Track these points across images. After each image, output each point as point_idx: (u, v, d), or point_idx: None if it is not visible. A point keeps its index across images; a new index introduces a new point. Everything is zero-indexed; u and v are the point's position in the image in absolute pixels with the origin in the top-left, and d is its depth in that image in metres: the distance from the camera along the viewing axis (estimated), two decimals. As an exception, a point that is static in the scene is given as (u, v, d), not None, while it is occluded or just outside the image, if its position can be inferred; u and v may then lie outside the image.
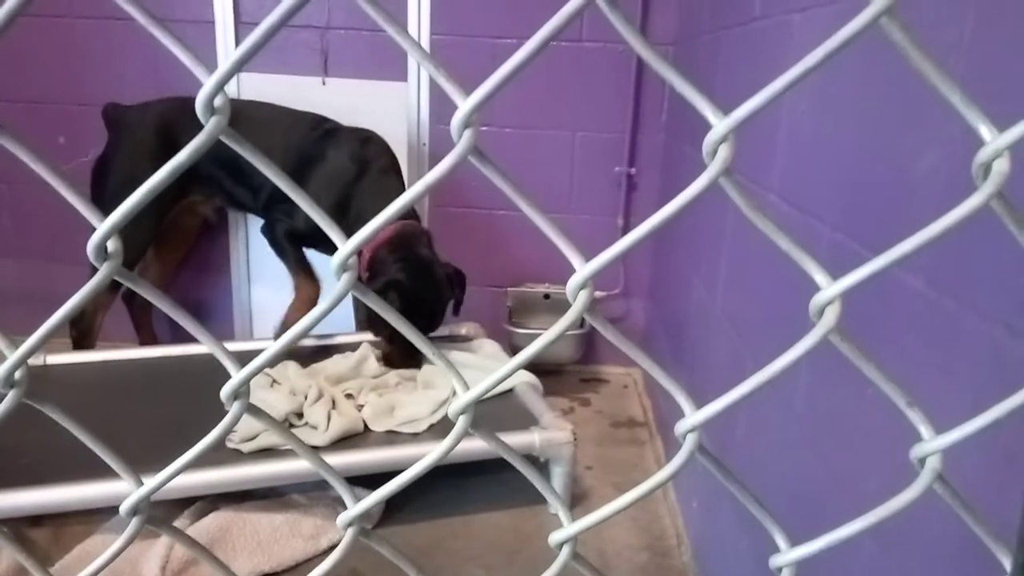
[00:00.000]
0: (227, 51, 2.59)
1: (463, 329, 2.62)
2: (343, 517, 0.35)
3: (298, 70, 2.60)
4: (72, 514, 1.68)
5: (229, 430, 0.33)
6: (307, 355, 2.28)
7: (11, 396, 0.34)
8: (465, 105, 0.29)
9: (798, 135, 1.24)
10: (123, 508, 0.35)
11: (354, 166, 2.30)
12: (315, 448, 1.83)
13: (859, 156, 1.00)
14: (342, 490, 0.35)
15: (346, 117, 2.56)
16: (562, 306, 3.03)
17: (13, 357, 0.34)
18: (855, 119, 1.03)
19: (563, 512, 0.36)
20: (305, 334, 0.34)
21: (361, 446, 1.88)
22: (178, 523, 1.68)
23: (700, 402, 0.34)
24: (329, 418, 1.93)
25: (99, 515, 1.70)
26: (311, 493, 1.85)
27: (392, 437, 1.96)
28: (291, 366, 2.17)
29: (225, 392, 0.33)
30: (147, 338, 2.66)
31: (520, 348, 2.65)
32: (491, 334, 2.58)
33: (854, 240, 0.99)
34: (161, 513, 1.71)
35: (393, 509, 1.86)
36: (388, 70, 2.60)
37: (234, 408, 0.33)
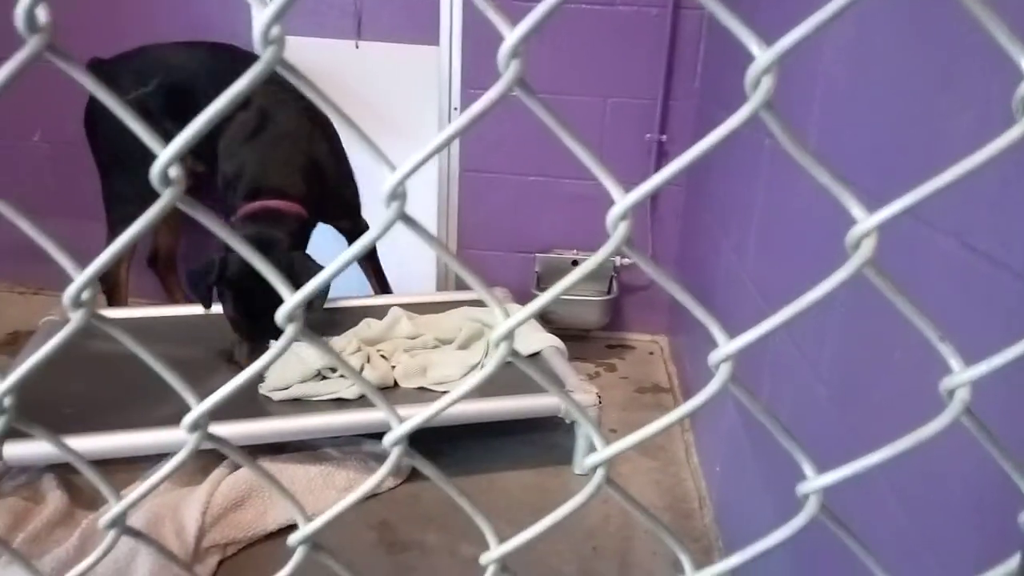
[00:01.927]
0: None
1: (492, 293, 2.63)
2: (389, 437, 0.37)
3: (332, 33, 2.60)
4: (116, 461, 1.73)
5: (288, 347, 0.35)
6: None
7: (80, 315, 0.36)
8: (512, 35, 0.30)
9: (833, 99, 1.23)
10: (184, 423, 0.37)
11: (254, 122, 2.15)
12: (345, 406, 1.87)
13: (895, 119, 0.99)
14: (385, 409, 0.37)
15: (378, 81, 2.57)
16: (590, 272, 3.02)
17: (80, 279, 0.36)
18: (891, 81, 1.01)
19: (596, 436, 0.37)
20: (353, 261, 0.35)
21: (392, 402, 1.92)
22: (217, 472, 1.74)
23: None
24: (361, 371, 1.97)
25: (143, 462, 1.76)
26: (344, 447, 1.89)
27: (422, 394, 2.00)
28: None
29: (281, 314, 0.35)
30: (180, 297, 2.71)
31: (548, 313, 2.67)
32: (519, 299, 2.60)
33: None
34: (202, 463, 1.77)
35: (421, 466, 1.90)
36: (420, 33, 2.60)
37: (290, 329, 0.35)
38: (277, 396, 1.86)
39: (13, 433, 0.42)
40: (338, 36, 2.61)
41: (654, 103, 2.63)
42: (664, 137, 2.66)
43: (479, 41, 2.56)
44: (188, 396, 0.38)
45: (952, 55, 0.84)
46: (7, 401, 0.40)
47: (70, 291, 0.35)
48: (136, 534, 0.44)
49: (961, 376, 0.33)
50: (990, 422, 0.35)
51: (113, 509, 0.41)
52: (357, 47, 2.62)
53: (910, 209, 0.32)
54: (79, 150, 2.75)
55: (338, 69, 2.56)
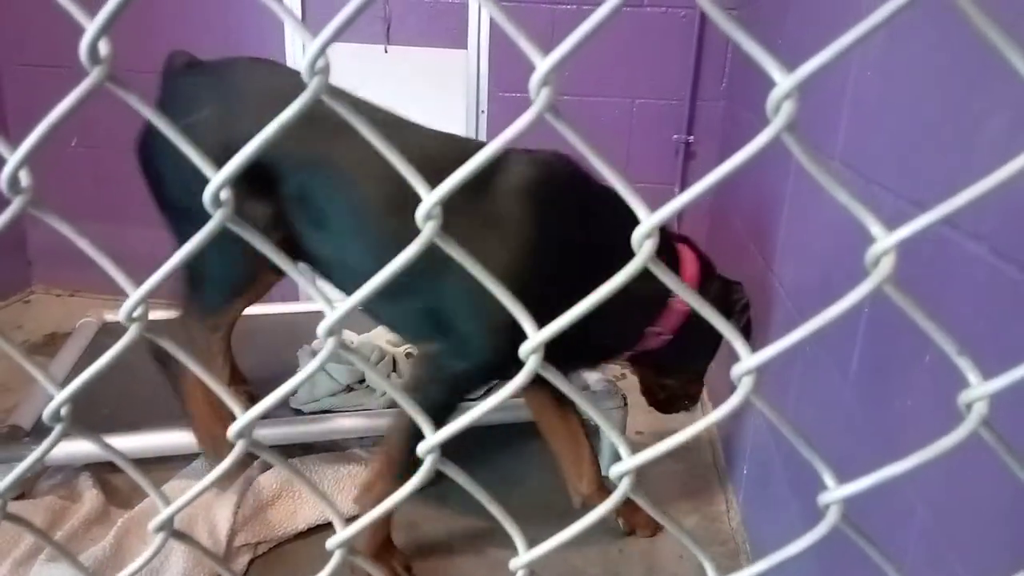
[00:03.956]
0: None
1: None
2: (423, 446, 0.39)
3: (361, 38, 2.63)
4: (151, 460, 1.78)
5: (326, 362, 0.37)
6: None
7: (133, 330, 0.39)
8: (543, 64, 0.32)
9: (863, 101, 1.22)
10: (230, 433, 0.39)
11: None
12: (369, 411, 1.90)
13: (925, 122, 0.99)
14: (419, 419, 0.39)
15: (407, 84, 2.60)
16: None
17: (134, 296, 0.38)
18: (921, 84, 1.01)
19: (622, 446, 0.39)
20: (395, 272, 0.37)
21: (419, 406, 1.94)
22: (249, 471, 1.77)
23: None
24: (388, 379, 2.00)
25: (177, 462, 1.81)
26: (372, 448, 1.92)
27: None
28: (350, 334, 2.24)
29: (321, 329, 0.37)
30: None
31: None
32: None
33: (919, 208, 0.98)
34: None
35: (449, 467, 1.92)
36: (448, 38, 2.62)
37: (329, 344, 0.37)
38: (307, 409, 1.90)
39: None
40: (367, 41, 2.64)
41: (682, 104, 2.63)
42: (691, 138, 2.66)
43: (507, 44, 2.57)
44: (235, 407, 0.40)
45: (984, 57, 0.84)
46: (63, 411, 0.42)
47: (125, 307, 0.37)
48: (181, 536, 0.46)
49: (978, 390, 0.34)
50: (1012, 433, 0.36)
51: (162, 514, 0.43)
52: (386, 51, 2.65)
53: (931, 226, 0.33)
54: (116, 155, 2.82)
55: (367, 73, 2.60)
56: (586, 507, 1.78)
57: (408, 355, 2.14)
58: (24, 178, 0.37)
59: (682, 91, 2.62)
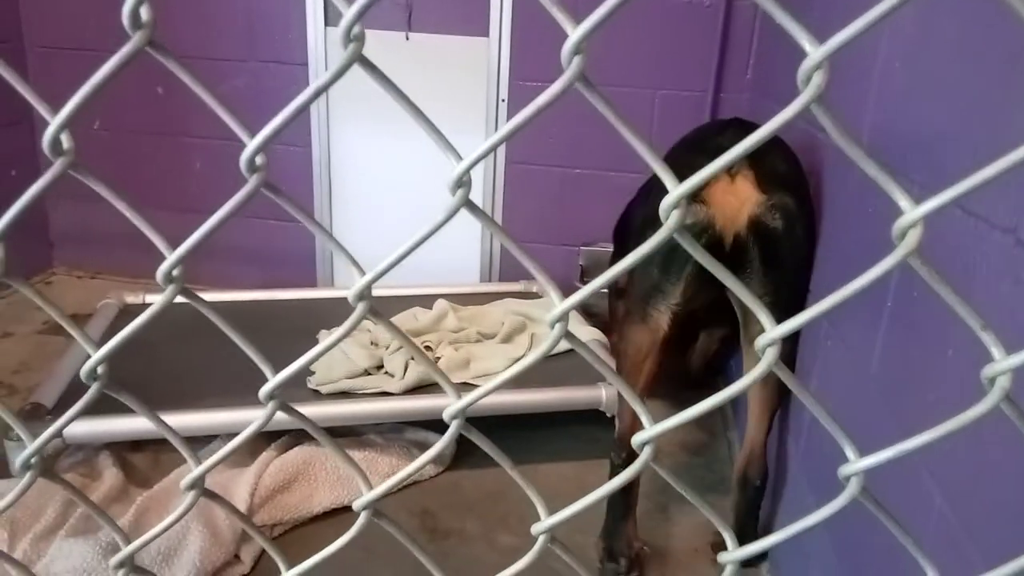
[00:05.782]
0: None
1: (534, 286, 2.66)
2: (449, 410, 0.39)
3: (382, 25, 2.64)
4: (169, 441, 1.80)
5: (356, 326, 0.38)
6: (382, 306, 2.33)
7: (170, 290, 0.40)
8: (576, 33, 0.32)
9: (889, 90, 1.22)
10: (262, 393, 0.40)
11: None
12: (389, 395, 1.91)
13: (951, 112, 0.98)
14: (445, 384, 0.39)
15: (428, 72, 2.60)
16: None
17: (172, 257, 0.39)
18: (948, 75, 1.00)
19: (644, 415, 0.39)
20: (422, 243, 0.38)
21: (437, 392, 1.95)
22: (265, 454, 1.79)
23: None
24: (406, 367, 2.01)
25: (196, 442, 1.83)
26: (387, 435, 1.94)
27: (465, 388, 2.03)
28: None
29: (352, 294, 0.37)
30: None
31: (590, 306, 2.68)
32: (562, 292, 2.61)
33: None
34: (251, 445, 1.83)
35: (463, 455, 1.93)
36: (470, 25, 2.62)
37: (360, 308, 0.38)
38: (324, 390, 1.91)
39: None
40: (389, 28, 2.64)
41: (705, 96, 2.61)
42: (712, 131, 2.65)
43: (528, 33, 2.57)
44: (265, 368, 0.41)
45: (1014, 47, 0.83)
46: (100, 369, 0.43)
47: (163, 268, 0.38)
48: (212, 495, 0.47)
49: (1002, 364, 0.34)
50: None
51: (194, 472, 0.44)
52: (407, 39, 2.65)
53: (957, 200, 0.33)
54: (138, 138, 2.85)
55: (388, 60, 2.60)
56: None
57: (427, 347, 2.15)
58: (65, 141, 0.38)
59: (706, 82, 2.60)
